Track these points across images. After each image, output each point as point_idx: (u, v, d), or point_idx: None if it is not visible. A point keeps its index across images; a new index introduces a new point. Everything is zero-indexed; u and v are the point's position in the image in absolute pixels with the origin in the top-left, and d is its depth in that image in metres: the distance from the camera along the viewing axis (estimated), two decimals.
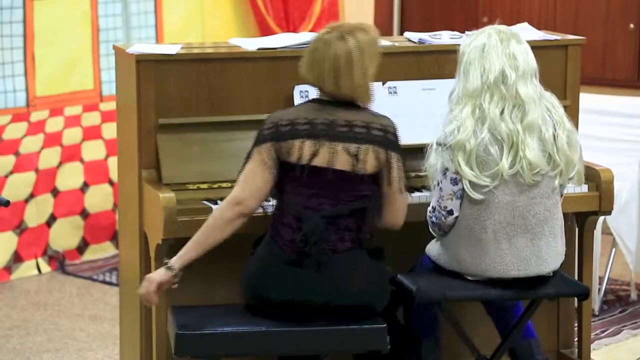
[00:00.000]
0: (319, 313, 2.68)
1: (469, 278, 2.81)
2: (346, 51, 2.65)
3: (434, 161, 2.78)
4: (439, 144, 2.76)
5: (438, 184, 2.78)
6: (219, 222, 2.69)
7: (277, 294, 2.67)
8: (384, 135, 2.66)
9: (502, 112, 2.73)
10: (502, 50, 2.77)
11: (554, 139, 2.75)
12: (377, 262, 2.75)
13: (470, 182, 2.73)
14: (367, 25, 2.76)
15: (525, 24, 3.42)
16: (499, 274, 2.77)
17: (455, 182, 2.75)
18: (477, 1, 5.06)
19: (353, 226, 2.68)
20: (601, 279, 3.99)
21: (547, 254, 2.79)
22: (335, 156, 2.63)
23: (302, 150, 2.63)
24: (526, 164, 2.73)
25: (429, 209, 2.83)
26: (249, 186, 2.65)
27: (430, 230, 2.86)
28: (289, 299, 2.66)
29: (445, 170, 2.76)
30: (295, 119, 2.65)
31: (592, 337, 3.34)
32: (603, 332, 3.78)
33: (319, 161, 2.63)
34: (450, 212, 2.77)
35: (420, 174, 2.93)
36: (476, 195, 2.73)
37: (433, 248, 2.88)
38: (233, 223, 2.68)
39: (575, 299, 3.06)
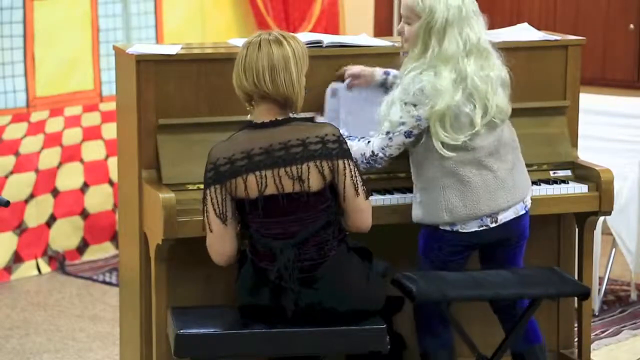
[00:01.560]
0: (314, 320, 2.68)
1: (463, 231, 2.83)
2: (283, 52, 2.64)
3: (394, 114, 2.80)
4: (405, 102, 2.79)
5: (388, 134, 2.82)
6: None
7: (269, 305, 2.68)
8: (322, 147, 2.62)
9: (474, 68, 2.81)
10: (475, 10, 2.83)
11: (510, 81, 2.88)
12: (364, 263, 2.74)
13: (443, 143, 2.80)
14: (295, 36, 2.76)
15: (525, 24, 3.42)
16: (491, 209, 2.84)
17: (409, 135, 2.82)
18: (476, 2, 5.06)
19: (328, 237, 2.67)
20: (601, 279, 3.99)
21: (521, 180, 2.90)
22: (281, 181, 2.61)
23: (247, 185, 2.62)
24: (496, 110, 2.83)
25: (365, 153, 2.83)
26: (217, 235, 2.66)
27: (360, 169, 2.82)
28: (281, 310, 2.66)
29: (401, 125, 2.80)
30: (232, 156, 2.64)
31: (592, 337, 3.34)
32: (603, 332, 3.78)
33: (269, 190, 2.62)
34: (392, 157, 2.86)
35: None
36: (448, 154, 2.81)
37: (418, 212, 2.90)
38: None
39: (575, 299, 3.06)
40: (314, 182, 2.62)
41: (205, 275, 3.02)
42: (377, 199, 2.97)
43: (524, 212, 2.91)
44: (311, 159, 2.62)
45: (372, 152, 2.84)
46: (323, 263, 2.66)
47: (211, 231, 2.67)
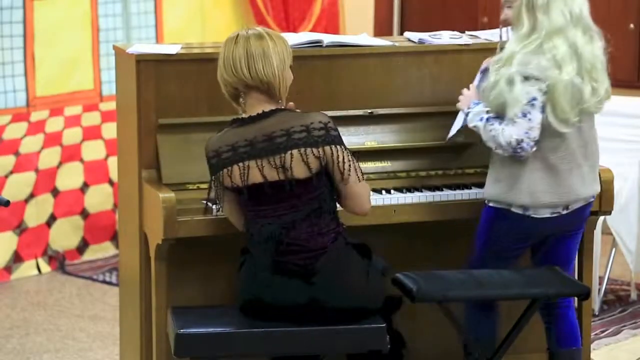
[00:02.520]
0: (314, 317, 2.68)
1: (535, 216, 2.84)
2: (261, 43, 2.68)
3: (516, 93, 2.77)
4: (526, 77, 2.78)
5: (525, 115, 2.78)
6: None
7: (269, 299, 2.68)
8: (307, 136, 2.63)
9: (583, 41, 2.81)
10: None
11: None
12: (364, 261, 2.75)
13: (557, 117, 2.79)
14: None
15: None
16: (569, 201, 2.86)
17: (542, 110, 2.79)
18: (477, 1, 5.06)
19: (321, 225, 2.67)
20: (601, 279, 3.99)
21: (597, 176, 2.93)
22: (264, 171, 2.65)
23: (232, 175, 2.67)
24: (604, 94, 2.84)
25: (510, 141, 2.78)
26: (227, 213, 2.78)
27: (504, 157, 2.82)
28: (281, 304, 2.67)
29: (533, 100, 2.78)
30: (218, 149, 2.70)
31: (592, 337, 3.34)
32: (603, 332, 3.78)
33: (253, 179, 2.66)
34: (536, 142, 2.82)
35: (439, 172, 2.99)
36: (564, 129, 2.80)
37: (494, 190, 2.89)
38: None
39: (576, 299, 3.05)
40: (298, 170, 2.64)
41: (205, 275, 3.02)
42: (377, 199, 2.97)
43: (592, 199, 2.95)
44: (294, 147, 2.63)
45: (517, 140, 2.77)
46: (320, 256, 2.66)
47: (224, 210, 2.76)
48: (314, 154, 2.64)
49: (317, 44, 3.08)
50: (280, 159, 2.64)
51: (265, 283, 2.68)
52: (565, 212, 2.89)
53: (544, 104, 2.80)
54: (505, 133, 2.81)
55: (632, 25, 4.77)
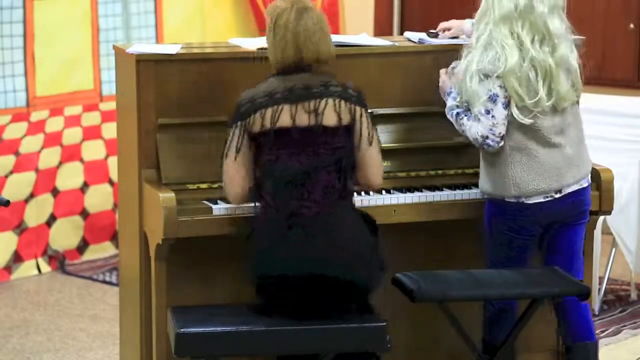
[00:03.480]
0: (314, 279, 2.68)
1: (528, 202, 2.87)
2: (312, 20, 2.73)
3: (478, 90, 2.83)
4: (485, 74, 2.82)
5: (488, 112, 2.83)
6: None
7: (278, 252, 2.68)
8: (343, 90, 2.76)
9: (532, 41, 2.83)
10: None
11: (579, 69, 2.91)
12: (371, 233, 2.78)
13: (518, 107, 2.83)
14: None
15: None
16: (559, 185, 2.89)
17: (505, 106, 2.84)
18: (477, 1, 5.06)
19: (335, 183, 2.73)
20: (601, 279, 3.99)
21: (583, 158, 2.94)
22: (295, 115, 2.71)
23: (264, 117, 2.72)
24: (558, 97, 2.86)
25: (477, 137, 2.86)
26: (228, 171, 2.75)
27: (483, 152, 2.89)
28: (287, 259, 2.67)
29: (494, 97, 2.83)
30: (253, 96, 2.74)
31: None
32: (603, 332, 3.78)
33: (282, 123, 2.71)
34: (502, 137, 2.86)
35: (439, 172, 3.02)
36: (525, 120, 2.84)
37: (486, 185, 2.94)
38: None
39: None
40: (329, 117, 2.72)
41: (205, 275, 3.02)
42: (377, 199, 2.97)
43: (587, 184, 2.96)
44: (330, 95, 2.73)
45: (482, 136, 2.85)
46: (330, 213, 2.70)
47: (225, 167, 2.76)
48: (347, 108, 2.73)
49: None
50: (314, 103, 2.70)
51: (278, 235, 2.69)
52: (558, 195, 2.90)
53: (507, 99, 2.84)
54: (472, 130, 2.87)
55: (631, 25, 4.77)
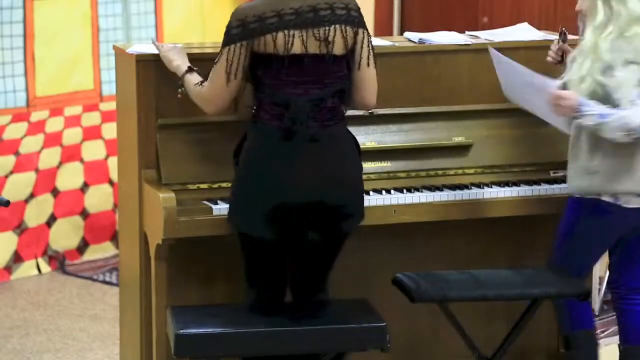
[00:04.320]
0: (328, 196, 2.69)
1: (625, 206, 2.80)
2: None
3: (626, 77, 2.74)
4: (628, 61, 2.75)
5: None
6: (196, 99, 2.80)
7: (275, 170, 2.68)
8: (347, 14, 2.72)
9: None
10: None
11: None
12: (358, 156, 2.81)
13: None
14: None
15: (526, 24, 3.42)
16: None
17: None
18: (477, 1, 5.06)
19: (337, 106, 2.77)
20: (601, 279, 3.99)
21: None
22: (307, 42, 2.70)
23: (276, 42, 2.69)
24: None
25: (634, 126, 2.73)
26: (216, 89, 2.73)
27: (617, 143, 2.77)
28: (286, 174, 2.67)
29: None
30: (262, 14, 2.71)
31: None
32: (603, 332, 3.77)
33: (295, 49, 2.70)
34: None
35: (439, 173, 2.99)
36: None
37: (584, 183, 2.83)
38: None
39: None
40: (338, 46, 2.72)
41: (206, 275, 3.02)
42: (377, 199, 2.97)
43: None
44: (337, 22, 2.71)
45: None
46: (334, 130, 2.74)
47: (212, 83, 2.73)
48: (352, 31, 2.72)
49: None
50: (325, 31, 2.69)
51: (273, 150, 2.68)
52: None
53: None
54: (635, 116, 2.74)
55: None
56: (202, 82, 2.78)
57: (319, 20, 2.70)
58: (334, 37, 2.70)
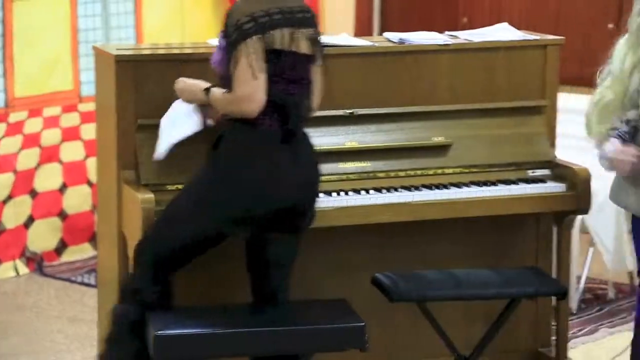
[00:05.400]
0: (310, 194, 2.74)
1: None
2: None
3: None
4: None
5: None
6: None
7: (276, 172, 2.69)
8: (311, 16, 2.80)
9: None
10: None
11: None
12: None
13: None
14: None
15: (505, 24, 3.43)
16: None
17: None
18: (457, 1, 5.07)
19: (308, 107, 2.81)
20: (579, 278, 4.02)
21: None
22: (303, 41, 2.75)
23: (284, 38, 2.71)
24: None
25: None
26: (248, 86, 2.69)
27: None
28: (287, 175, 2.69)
29: None
30: (268, 10, 2.72)
31: (569, 335, 3.36)
32: (580, 330, 3.80)
33: (296, 47, 2.74)
34: None
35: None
36: None
37: (635, 199, 2.63)
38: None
39: (553, 298, 3.07)
40: (310, 49, 2.76)
41: (184, 276, 3.01)
42: (357, 199, 2.97)
43: None
44: (314, 26, 2.79)
45: None
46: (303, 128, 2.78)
47: (240, 82, 2.69)
48: (316, 35, 2.78)
49: None
50: (312, 32, 2.76)
51: (278, 154, 2.71)
52: None
53: None
54: None
55: (611, 25, 4.80)
56: (226, 90, 2.74)
57: (307, 21, 2.76)
58: (319, 37, 2.77)
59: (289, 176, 2.70)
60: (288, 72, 2.73)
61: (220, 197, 2.71)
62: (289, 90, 2.73)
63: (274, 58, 2.71)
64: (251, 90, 2.69)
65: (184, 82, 2.88)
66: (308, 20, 2.76)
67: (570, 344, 3.37)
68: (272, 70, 2.71)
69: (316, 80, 2.83)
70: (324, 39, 2.91)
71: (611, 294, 4.11)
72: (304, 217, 2.76)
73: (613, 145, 2.67)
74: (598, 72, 2.77)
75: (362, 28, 5.34)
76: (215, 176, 2.74)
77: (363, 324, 2.72)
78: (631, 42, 2.76)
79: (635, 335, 2.77)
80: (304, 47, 2.74)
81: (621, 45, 2.77)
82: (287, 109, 2.71)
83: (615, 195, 2.78)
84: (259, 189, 2.69)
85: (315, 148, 2.83)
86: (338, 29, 4.78)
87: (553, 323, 3.30)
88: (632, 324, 2.89)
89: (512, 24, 3.45)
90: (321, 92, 2.86)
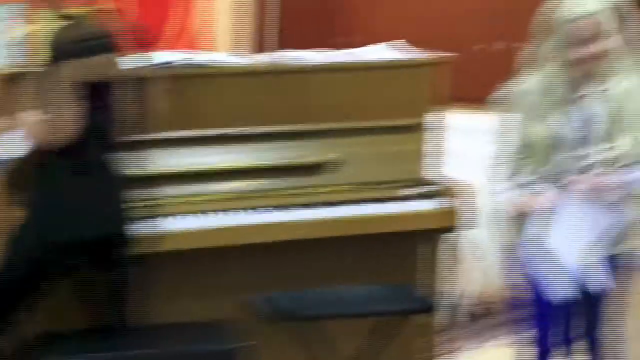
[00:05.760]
0: None
1: None
2: None
3: None
4: None
5: None
6: None
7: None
8: (110, 42, 2.78)
9: None
10: None
11: None
12: None
13: None
14: None
15: (383, 45, 3.46)
16: None
17: None
18: (333, 20, 5.10)
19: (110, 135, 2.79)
20: (455, 293, 4.05)
21: None
22: (99, 67, 2.76)
23: (82, 65, 2.72)
24: None
25: None
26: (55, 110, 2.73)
27: None
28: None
29: None
30: (74, 37, 2.72)
31: (449, 350, 3.38)
32: (466, 343, 3.83)
33: (94, 74, 2.74)
34: None
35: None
36: None
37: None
38: None
39: (422, 314, 3.09)
40: (107, 75, 2.78)
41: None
42: (232, 219, 2.95)
43: None
44: (111, 50, 2.78)
45: None
46: None
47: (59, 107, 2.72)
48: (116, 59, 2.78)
49: (166, 63, 3.05)
50: (112, 57, 2.76)
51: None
52: None
53: None
54: None
55: (498, 45, 4.89)
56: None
57: (105, 45, 2.76)
58: (116, 63, 2.78)
59: (78, 209, 2.66)
60: (90, 100, 2.70)
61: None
62: (92, 116, 2.70)
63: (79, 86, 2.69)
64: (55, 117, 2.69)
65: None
66: (106, 45, 2.75)
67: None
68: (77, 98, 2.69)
69: (124, 107, 2.79)
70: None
71: (496, 308, 4.16)
72: (110, 248, 2.72)
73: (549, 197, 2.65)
74: (494, 94, 2.77)
75: (261, 46, 5.34)
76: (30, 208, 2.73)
77: (245, 344, 2.68)
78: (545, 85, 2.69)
79: (526, 353, 2.76)
80: (101, 73, 2.72)
81: (532, 85, 2.70)
82: (85, 139, 2.69)
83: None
84: (50, 221, 2.66)
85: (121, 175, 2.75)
86: (232, 46, 4.76)
87: (425, 340, 3.31)
88: (515, 337, 2.91)
89: (410, 42, 3.45)
90: (144, 116, 2.81)
